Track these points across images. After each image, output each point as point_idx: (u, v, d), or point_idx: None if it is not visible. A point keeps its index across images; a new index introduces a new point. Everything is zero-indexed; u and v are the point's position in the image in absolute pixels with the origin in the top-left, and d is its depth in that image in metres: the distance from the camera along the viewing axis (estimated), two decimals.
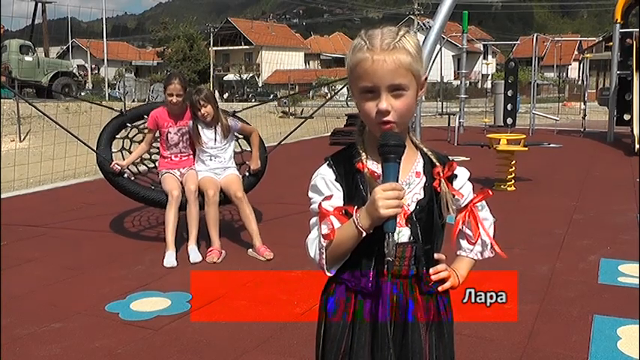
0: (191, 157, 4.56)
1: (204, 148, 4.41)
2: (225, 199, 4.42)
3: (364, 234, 1.29)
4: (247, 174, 4.66)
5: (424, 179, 1.40)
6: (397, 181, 1.27)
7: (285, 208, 5.58)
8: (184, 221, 4.34)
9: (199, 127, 4.40)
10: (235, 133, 4.60)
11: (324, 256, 1.35)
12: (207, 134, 4.41)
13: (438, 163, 1.41)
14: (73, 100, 22.95)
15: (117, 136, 4.89)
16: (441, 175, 1.40)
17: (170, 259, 4.07)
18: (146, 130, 4.76)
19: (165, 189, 4.36)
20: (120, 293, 3.53)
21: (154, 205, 4.64)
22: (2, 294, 3.48)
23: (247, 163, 4.82)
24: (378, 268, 1.36)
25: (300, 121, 7.11)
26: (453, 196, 1.44)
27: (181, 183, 4.42)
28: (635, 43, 11.04)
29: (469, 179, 1.48)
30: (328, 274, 1.40)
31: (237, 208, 4.44)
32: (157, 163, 4.87)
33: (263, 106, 21.76)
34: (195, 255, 4.14)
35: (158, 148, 4.79)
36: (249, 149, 4.97)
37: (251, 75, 57.89)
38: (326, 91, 35.55)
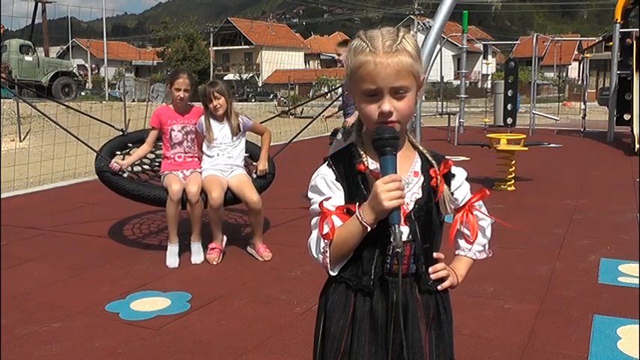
0: (196, 159, 4.38)
1: (213, 143, 4.24)
2: (232, 199, 4.21)
3: (369, 229, 1.30)
4: (254, 176, 4.45)
5: (422, 179, 1.40)
6: (396, 173, 1.28)
7: (285, 208, 5.58)
8: (187, 222, 4.31)
9: (210, 121, 4.25)
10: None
11: (327, 256, 1.35)
12: (217, 129, 4.24)
13: (434, 162, 1.42)
14: (73, 100, 22.94)
15: (117, 153, 4.73)
16: (438, 173, 1.40)
17: (172, 260, 4.04)
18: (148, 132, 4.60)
19: (165, 184, 4.20)
20: (120, 293, 3.53)
21: (154, 204, 4.41)
22: (2, 294, 3.48)
23: (254, 164, 4.66)
24: (379, 266, 1.37)
25: (300, 120, 7.09)
26: (452, 194, 1.44)
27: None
28: (635, 43, 11.04)
29: (466, 179, 1.49)
30: (332, 274, 1.40)
31: (250, 212, 4.20)
32: (158, 172, 4.66)
33: (263, 106, 21.80)
34: (197, 255, 4.12)
35: (160, 163, 4.64)
36: (253, 163, 4.75)
37: (251, 75, 57.88)
38: (326, 90, 35.51)
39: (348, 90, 1.44)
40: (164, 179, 4.30)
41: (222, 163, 4.25)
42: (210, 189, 4.08)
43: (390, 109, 1.31)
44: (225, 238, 4.23)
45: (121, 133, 4.80)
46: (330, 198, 1.36)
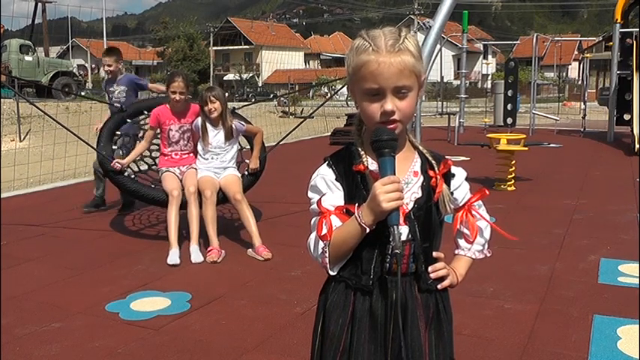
0: (191, 155, 4.59)
1: (209, 148, 4.44)
2: (224, 198, 4.44)
3: (367, 230, 1.30)
4: (246, 173, 4.68)
5: (422, 178, 1.41)
6: (394, 174, 1.28)
7: (286, 207, 5.58)
8: (185, 221, 4.35)
9: (207, 125, 4.42)
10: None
11: (326, 256, 1.35)
12: (212, 134, 4.43)
13: (434, 162, 1.42)
14: (73, 100, 22.95)
15: (117, 133, 4.92)
16: (437, 172, 1.40)
17: (174, 257, 4.09)
18: (147, 127, 4.79)
19: (166, 189, 4.40)
20: (120, 293, 3.53)
21: (155, 204, 4.69)
22: (2, 294, 3.48)
23: (247, 161, 4.82)
24: (378, 266, 1.37)
25: (299, 120, 7.09)
26: (452, 194, 1.44)
27: (181, 181, 4.45)
28: (635, 43, 11.04)
29: (466, 179, 1.49)
30: (331, 273, 1.40)
31: (236, 209, 4.46)
32: (156, 161, 4.92)
33: (263, 106, 21.82)
34: (196, 255, 4.14)
35: (158, 145, 4.81)
36: (247, 147, 4.99)
37: (251, 75, 57.88)
38: (326, 90, 35.54)
39: (348, 89, 1.44)
40: (162, 178, 4.52)
41: (216, 167, 4.48)
42: (204, 187, 4.35)
43: (392, 109, 1.31)
44: (223, 251, 4.26)
45: (118, 109, 4.98)
46: (326, 194, 1.36)
